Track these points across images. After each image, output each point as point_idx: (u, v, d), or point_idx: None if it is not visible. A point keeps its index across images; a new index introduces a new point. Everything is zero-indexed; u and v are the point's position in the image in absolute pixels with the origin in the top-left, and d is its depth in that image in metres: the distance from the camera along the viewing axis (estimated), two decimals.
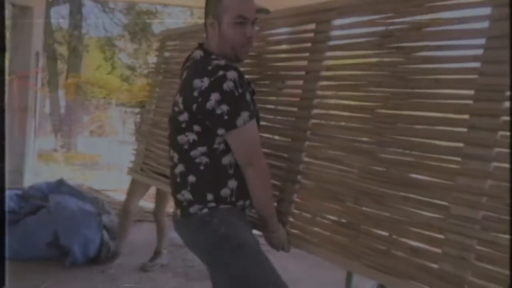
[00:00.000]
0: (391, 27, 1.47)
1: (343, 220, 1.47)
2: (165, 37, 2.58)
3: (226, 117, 1.33)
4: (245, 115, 1.35)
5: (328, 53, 1.66)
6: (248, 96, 1.37)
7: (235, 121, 1.33)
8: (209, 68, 1.34)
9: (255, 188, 1.41)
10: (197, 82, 1.34)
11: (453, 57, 1.33)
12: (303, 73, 1.72)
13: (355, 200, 1.44)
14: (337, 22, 1.66)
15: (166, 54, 2.53)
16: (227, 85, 1.31)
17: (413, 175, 1.33)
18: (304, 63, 1.73)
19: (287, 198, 1.63)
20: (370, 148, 1.44)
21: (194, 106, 1.35)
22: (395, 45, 1.45)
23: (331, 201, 1.51)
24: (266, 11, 1.91)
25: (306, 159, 1.63)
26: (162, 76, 2.51)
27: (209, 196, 1.39)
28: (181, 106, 1.39)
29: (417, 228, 1.28)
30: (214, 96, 1.32)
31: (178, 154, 1.44)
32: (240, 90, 1.34)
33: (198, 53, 1.44)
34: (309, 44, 1.72)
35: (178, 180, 1.44)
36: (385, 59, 1.47)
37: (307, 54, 1.72)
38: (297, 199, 1.63)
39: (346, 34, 1.61)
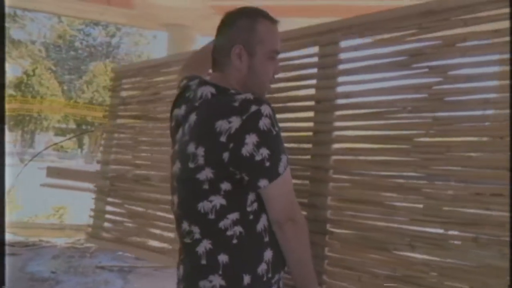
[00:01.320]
0: (418, 45, 1.30)
1: (397, 274, 1.23)
2: (119, 73, 2.24)
3: (267, 163, 1.04)
4: (284, 159, 1.07)
5: (341, 79, 1.45)
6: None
7: (278, 168, 1.05)
8: (235, 104, 1.05)
9: (295, 249, 1.12)
10: (222, 124, 1.04)
11: (500, 73, 1.18)
12: (312, 103, 1.49)
13: (409, 247, 1.21)
14: (346, 43, 1.47)
15: (123, 93, 2.18)
16: (263, 123, 1.03)
17: (478, 211, 1.14)
18: (310, 91, 1.51)
19: (317, 253, 1.36)
20: (417, 184, 1.24)
21: (225, 155, 1.04)
22: (427, 64, 1.28)
23: (376, 252, 1.27)
24: None
25: (333, 203, 1.39)
26: (119, 119, 2.15)
27: (246, 279, 1.07)
28: (201, 160, 1.06)
29: (495, 277, 1.08)
30: (251, 139, 1.02)
31: (200, 227, 1.09)
32: (277, 128, 1.06)
33: (207, 90, 1.13)
34: (315, 70, 1.50)
35: (204, 262, 1.08)
36: (418, 80, 1.29)
37: (314, 81, 1.50)
38: (329, 253, 1.36)
39: (361, 56, 1.42)
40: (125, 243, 1.99)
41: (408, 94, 1.30)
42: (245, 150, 1.02)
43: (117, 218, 2.05)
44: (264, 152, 1.03)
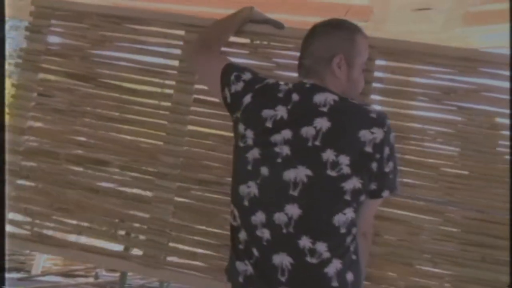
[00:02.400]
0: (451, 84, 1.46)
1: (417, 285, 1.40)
2: (46, 11, 1.60)
3: (391, 176, 1.12)
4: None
5: (373, 97, 1.49)
6: None
7: (396, 181, 1.14)
8: (373, 115, 1.09)
9: (365, 260, 1.17)
10: (366, 134, 1.06)
11: None
12: None
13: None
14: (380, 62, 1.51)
15: (52, 39, 1.60)
16: (393, 137, 1.12)
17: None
18: None
19: None
20: (440, 208, 1.42)
21: (374, 165, 1.07)
22: (457, 103, 1.46)
23: (402, 266, 1.41)
24: (279, 26, 1.49)
25: None
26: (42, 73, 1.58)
27: None
28: (347, 169, 1.04)
29: None
30: (386, 151, 1.09)
31: (329, 244, 1.02)
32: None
33: (330, 97, 1.10)
34: None
35: (335, 284, 1.01)
36: (445, 116, 1.46)
37: None
38: None
39: (394, 79, 1.49)
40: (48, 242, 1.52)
41: (437, 126, 1.46)
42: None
43: (38, 208, 1.54)
44: (391, 165, 1.11)
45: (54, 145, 1.55)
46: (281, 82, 1.17)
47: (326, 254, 1.02)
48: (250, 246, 1.06)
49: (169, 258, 1.53)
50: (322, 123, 1.06)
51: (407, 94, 1.48)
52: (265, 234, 1.04)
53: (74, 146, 1.55)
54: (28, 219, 1.51)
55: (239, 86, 1.17)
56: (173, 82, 1.54)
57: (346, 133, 1.06)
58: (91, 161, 1.54)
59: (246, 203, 1.07)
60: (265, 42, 1.51)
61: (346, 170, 1.03)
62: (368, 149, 1.05)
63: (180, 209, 1.50)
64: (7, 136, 1.53)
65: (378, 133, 1.06)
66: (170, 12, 1.65)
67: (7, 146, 1.43)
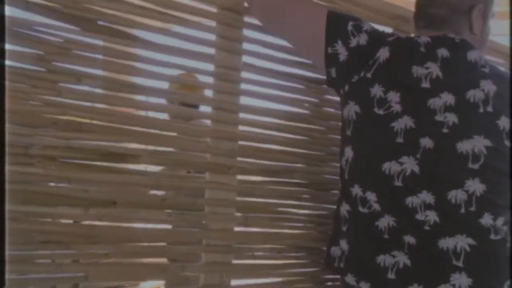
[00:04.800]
0: None
1: None
2: None
3: None
4: None
5: None
6: None
7: None
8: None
9: None
10: None
11: None
12: None
13: None
14: None
15: None
16: None
17: None
18: None
19: None
20: None
21: None
22: None
23: None
24: None
25: None
26: None
27: None
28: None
29: None
30: None
31: (506, 219, 0.92)
32: None
33: (482, 56, 0.98)
34: None
35: None
36: None
37: None
38: None
39: None
40: None
41: None
42: None
43: None
44: None
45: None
46: (407, 35, 1.03)
47: (504, 229, 0.92)
48: (400, 233, 0.91)
49: None
50: (489, 86, 0.93)
51: None
52: (430, 216, 0.89)
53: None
54: None
55: (362, 38, 0.96)
56: None
57: (504, 98, 0.94)
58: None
59: (397, 183, 0.90)
60: None
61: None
62: None
63: None
64: None
65: None
66: None
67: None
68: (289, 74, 1.14)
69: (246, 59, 1.07)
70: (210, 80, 1.05)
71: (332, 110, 1.19)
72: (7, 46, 0.85)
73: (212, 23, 1.05)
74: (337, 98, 1.19)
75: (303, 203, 1.14)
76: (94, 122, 0.92)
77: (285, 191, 1.11)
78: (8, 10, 0.89)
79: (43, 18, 0.89)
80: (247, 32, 1.08)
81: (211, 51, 1.05)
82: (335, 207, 1.15)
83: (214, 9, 1.05)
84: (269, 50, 1.11)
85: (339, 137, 1.20)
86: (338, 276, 1.08)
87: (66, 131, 0.89)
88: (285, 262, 1.10)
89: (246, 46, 1.08)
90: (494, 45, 1.33)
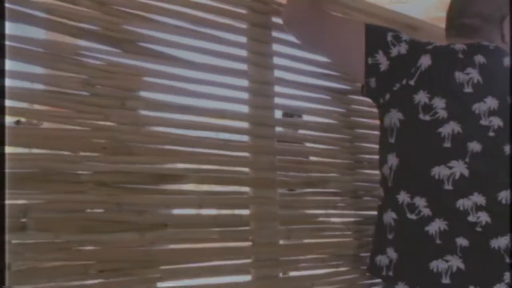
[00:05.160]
0: None
1: None
2: None
3: None
4: None
5: None
6: None
7: None
8: None
9: None
10: None
11: None
12: None
13: None
14: None
15: None
16: None
17: None
18: None
19: None
20: None
21: None
22: None
23: None
24: None
25: None
26: None
27: None
28: None
29: None
30: None
31: None
32: None
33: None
34: None
35: None
36: None
37: None
38: None
39: None
40: None
41: None
42: None
43: None
44: None
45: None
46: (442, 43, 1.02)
47: None
48: (452, 237, 0.92)
49: None
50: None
51: None
52: (482, 218, 0.92)
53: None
54: None
55: (402, 47, 0.98)
56: None
57: None
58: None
59: (448, 186, 0.92)
60: None
61: None
62: None
63: None
64: None
65: None
66: None
67: None
68: (317, 86, 1.17)
69: (277, 73, 1.09)
70: (245, 95, 1.06)
71: (358, 119, 1.23)
72: (50, 71, 0.84)
73: (243, 39, 1.07)
74: (363, 108, 1.22)
75: (340, 212, 1.16)
76: (140, 145, 0.91)
77: (322, 201, 1.13)
78: (49, 35, 0.88)
79: (84, 42, 0.88)
80: (276, 47, 1.10)
81: (244, 66, 1.06)
82: (369, 213, 1.17)
83: (244, 26, 1.06)
84: (298, 63, 1.13)
85: (366, 145, 1.23)
86: (377, 280, 1.10)
87: (116, 155, 0.87)
88: (328, 271, 1.12)
89: (276, 60, 1.10)
90: None
